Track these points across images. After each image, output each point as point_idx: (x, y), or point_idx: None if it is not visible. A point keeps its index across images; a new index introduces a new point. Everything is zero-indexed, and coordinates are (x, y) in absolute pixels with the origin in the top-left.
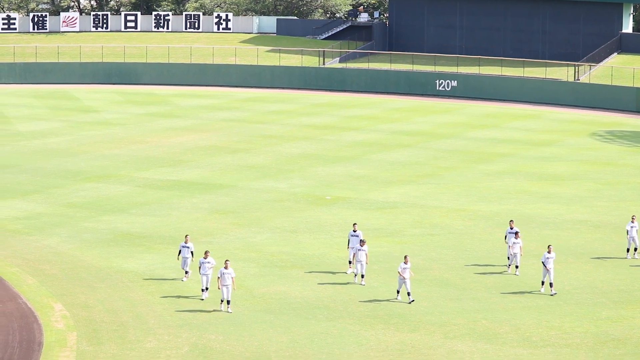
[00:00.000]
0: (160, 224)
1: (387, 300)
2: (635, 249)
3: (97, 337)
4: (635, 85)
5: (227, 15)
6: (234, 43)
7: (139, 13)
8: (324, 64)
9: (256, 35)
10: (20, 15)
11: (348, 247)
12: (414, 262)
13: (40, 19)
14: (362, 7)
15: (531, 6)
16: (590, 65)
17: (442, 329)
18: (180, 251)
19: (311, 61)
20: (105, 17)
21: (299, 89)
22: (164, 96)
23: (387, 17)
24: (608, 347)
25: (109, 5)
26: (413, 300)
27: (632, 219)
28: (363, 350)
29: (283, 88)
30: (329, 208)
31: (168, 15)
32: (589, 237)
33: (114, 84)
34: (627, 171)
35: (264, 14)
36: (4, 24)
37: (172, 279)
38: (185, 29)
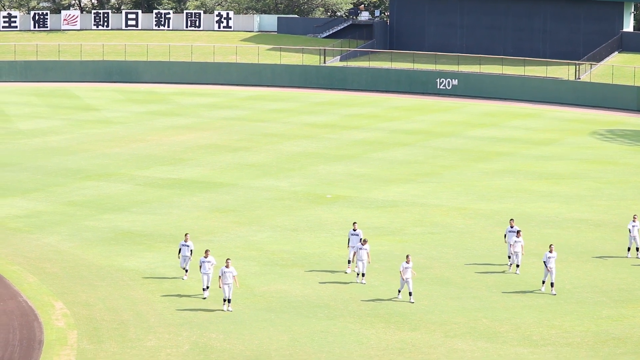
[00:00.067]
0: (160, 223)
1: (389, 299)
2: (637, 249)
3: (97, 336)
4: (635, 84)
5: (228, 14)
6: (234, 41)
7: (139, 11)
8: (324, 62)
9: (257, 33)
10: (21, 14)
11: (348, 246)
12: (415, 261)
13: (41, 17)
14: (363, 5)
15: (532, 5)
16: (591, 64)
17: (443, 328)
18: (180, 250)
19: (312, 60)
20: (106, 15)
21: (299, 87)
22: (165, 94)
23: (388, 15)
24: (608, 346)
25: (110, 4)
26: (413, 302)
27: (634, 218)
28: (363, 349)
29: (284, 86)
30: (330, 207)
31: (169, 13)
32: (589, 236)
33: (114, 82)
34: (627, 170)
35: (264, 12)
36: (4, 22)
37: (173, 278)
38: (186, 27)
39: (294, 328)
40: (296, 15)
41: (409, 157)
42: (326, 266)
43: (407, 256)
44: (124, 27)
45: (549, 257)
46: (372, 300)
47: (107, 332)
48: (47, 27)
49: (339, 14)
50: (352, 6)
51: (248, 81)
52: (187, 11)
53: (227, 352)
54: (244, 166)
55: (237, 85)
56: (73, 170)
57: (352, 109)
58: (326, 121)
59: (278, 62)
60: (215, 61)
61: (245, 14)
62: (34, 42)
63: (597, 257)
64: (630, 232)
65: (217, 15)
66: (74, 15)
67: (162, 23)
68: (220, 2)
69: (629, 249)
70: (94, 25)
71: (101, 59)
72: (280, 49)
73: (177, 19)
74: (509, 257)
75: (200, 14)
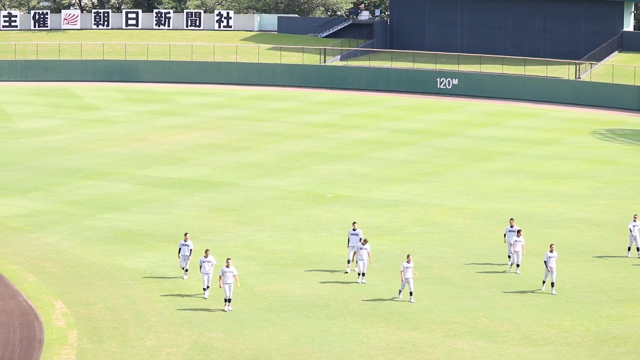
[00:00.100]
0: (161, 222)
1: (390, 299)
2: (638, 249)
3: (97, 335)
4: (636, 84)
5: (228, 13)
6: (235, 41)
7: (140, 11)
8: (325, 61)
9: (257, 33)
10: (22, 13)
11: (348, 246)
12: (415, 261)
13: (42, 16)
14: (363, 5)
15: (532, 4)
16: (591, 63)
17: (443, 327)
18: (180, 249)
19: (312, 59)
20: (106, 14)
21: (300, 86)
22: (165, 94)
23: (388, 15)
24: (609, 345)
25: (110, 3)
26: (413, 302)
27: (635, 217)
28: (364, 348)
29: (284, 86)
30: (330, 206)
31: (169, 12)
32: (589, 236)
33: (115, 81)
34: (628, 169)
35: (265, 11)
36: (5, 21)
37: (173, 277)
38: (187, 26)
39: (294, 327)
40: (296, 15)
41: (410, 157)
42: (326, 266)
43: (408, 256)
44: (124, 27)
45: (550, 257)
46: (373, 299)
47: (107, 331)
48: (47, 26)
49: (339, 13)
50: (352, 6)
51: (248, 80)
52: (188, 11)
53: (227, 352)
54: (244, 166)
55: (238, 84)
56: (73, 169)
57: (352, 109)
58: (326, 121)
59: (278, 62)
60: (216, 60)
61: (246, 13)
62: (34, 41)
63: (597, 257)
64: (631, 231)
65: (217, 15)
66: (74, 15)
67: (163, 22)
68: (220, 1)
69: (629, 249)
70: (94, 24)
71: (101, 58)
72: (281, 49)
73: (177, 19)
74: (509, 257)
75: (200, 13)
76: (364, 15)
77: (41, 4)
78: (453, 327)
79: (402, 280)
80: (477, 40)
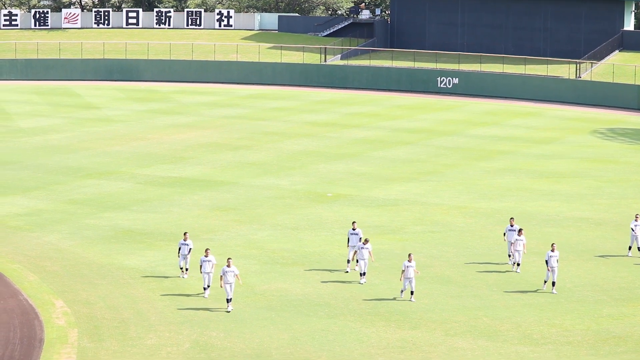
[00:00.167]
0: (161, 221)
1: (391, 299)
2: (639, 248)
3: (98, 334)
4: (636, 83)
5: (228, 12)
6: (235, 40)
7: (140, 10)
8: (325, 61)
9: (258, 32)
10: (22, 12)
11: (348, 246)
12: (415, 260)
13: (42, 15)
14: (363, 4)
15: (533, 3)
16: (591, 62)
17: (443, 326)
18: (180, 248)
19: (312, 58)
20: (106, 13)
21: (300, 86)
22: (166, 93)
23: (388, 14)
24: (609, 344)
25: (111, 2)
26: (414, 302)
27: (636, 217)
28: (364, 347)
29: (284, 85)
30: (330, 205)
31: (169, 11)
32: (590, 235)
33: (115, 80)
34: (628, 169)
35: (265, 10)
36: (5, 20)
37: (173, 276)
38: (187, 25)
39: (294, 326)
40: (297, 14)
41: (410, 156)
42: (327, 265)
43: (409, 255)
44: (124, 26)
45: (551, 256)
46: (373, 298)
47: (108, 330)
48: (47, 25)
49: (339, 12)
50: (352, 5)
51: (249, 79)
52: (188, 9)
53: (227, 351)
54: (244, 165)
55: (238, 83)
56: (74, 168)
57: (352, 108)
58: (327, 120)
59: (279, 61)
60: (216, 59)
61: (246, 12)
62: (35, 40)
63: (597, 256)
64: (633, 230)
65: (217, 14)
66: (74, 14)
67: (163, 21)
68: (221, 0)
69: (629, 248)
70: (95, 23)
71: (102, 57)
72: (281, 48)
73: (177, 18)
74: (510, 256)
75: (201, 12)
76: (365, 14)
77: (42, 2)
78: (453, 326)
79: (402, 279)
80: (478, 40)
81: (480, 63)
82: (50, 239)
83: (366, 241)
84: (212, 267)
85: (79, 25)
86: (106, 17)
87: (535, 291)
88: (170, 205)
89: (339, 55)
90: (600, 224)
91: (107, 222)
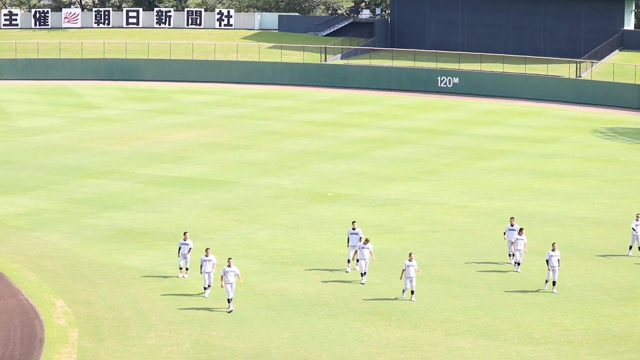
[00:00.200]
0: (161, 221)
1: (391, 298)
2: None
3: (98, 334)
4: (637, 82)
5: (228, 12)
6: (235, 39)
7: (140, 9)
8: (325, 60)
9: (258, 31)
10: (22, 11)
11: (348, 245)
12: (416, 259)
13: (42, 14)
14: (363, 3)
15: (533, 3)
16: (592, 62)
17: (444, 326)
18: (180, 248)
19: (313, 58)
20: (107, 13)
21: (300, 85)
22: (166, 92)
23: (388, 13)
24: (609, 344)
25: (111, 2)
26: (414, 301)
27: (637, 217)
28: (364, 346)
29: (285, 84)
30: (331, 205)
31: (170, 11)
32: (590, 234)
33: (115, 80)
34: (628, 168)
35: (265, 10)
36: (5, 19)
37: (174, 276)
38: (187, 25)
39: (294, 326)
40: (297, 13)
41: (410, 155)
42: (327, 264)
43: (410, 254)
44: (124, 25)
45: (552, 256)
46: (373, 298)
47: (108, 330)
48: (48, 24)
49: (339, 12)
50: (353, 4)
51: (249, 79)
52: (188, 9)
53: (228, 350)
54: (244, 164)
55: (238, 83)
56: (74, 168)
57: (353, 107)
58: (327, 119)
59: (279, 60)
60: (216, 59)
61: (246, 11)
62: (35, 40)
63: (598, 255)
64: (634, 230)
65: (218, 13)
66: (74, 13)
67: (163, 21)
68: (221, 0)
69: (630, 247)
70: (95, 23)
71: (102, 56)
72: (281, 47)
73: (178, 17)
74: (510, 256)
75: (201, 12)
76: (365, 14)
77: (42, 2)
78: (454, 326)
79: (402, 278)
80: (478, 39)
81: (481, 62)
82: (51, 238)
83: (367, 241)
84: (212, 267)
85: (79, 25)
86: (106, 17)
87: (536, 291)
88: (170, 205)
89: (339, 55)
90: (601, 223)
91: (108, 222)
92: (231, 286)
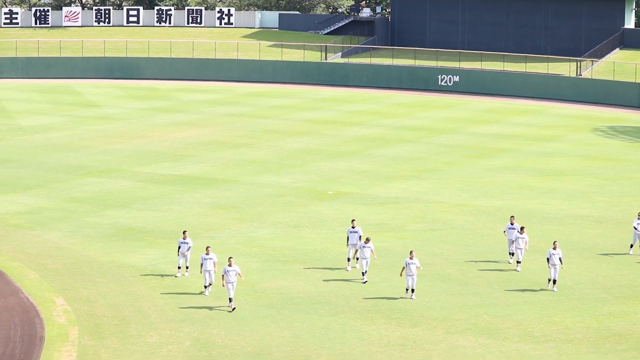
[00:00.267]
0: (162, 219)
1: (392, 296)
2: None
3: (98, 332)
4: (637, 81)
5: (229, 10)
6: (236, 38)
7: (141, 8)
8: (326, 58)
9: (258, 30)
10: (23, 10)
11: (347, 244)
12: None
13: (43, 13)
14: (364, 2)
15: (533, 1)
16: (592, 60)
17: (444, 324)
18: (179, 247)
19: (313, 56)
20: (107, 11)
21: (301, 83)
22: (166, 91)
23: (389, 12)
24: (610, 342)
25: (111, 0)
26: (414, 299)
27: (639, 215)
28: (365, 345)
29: (285, 83)
30: (331, 203)
31: (170, 10)
32: (590, 233)
33: (116, 78)
34: (628, 166)
35: (266, 8)
36: (6, 18)
37: (174, 274)
38: (188, 23)
39: (295, 324)
40: (297, 12)
41: (411, 154)
42: (327, 263)
43: (411, 252)
44: (125, 24)
45: (553, 254)
46: (374, 296)
47: (108, 328)
48: (48, 23)
49: (340, 10)
50: (353, 3)
51: (249, 77)
52: (189, 7)
53: (228, 348)
54: (245, 162)
55: (239, 81)
56: (74, 166)
57: (353, 106)
58: (327, 117)
59: (279, 59)
60: (217, 57)
61: (247, 10)
62: (36, 38)
63: (598, 254)
64: (635, 229)
65: (218, 12)
66: (75, 12)
67: (164, 19)
68: None
69: (631, 246)
70: (96, 21)
71: (102, 55)
72: (282, 46)
73: (178, 16)
74: (510, 254)
75: (201, 10)
76: (365, 12)
77: (42, 1)
78: (454, 324)
79: (402, 275)
80: (478, 38)
81: (481, 61)
82: (51, 237)
83: (367, 240)
84: (213, 265)
85: (79, 24)
86: (107, 15)
87: (539, 290)
88: (171, 203)
89: (340, 53)
90: (601, 221)
91: (108, 220)
92: (232, 285)
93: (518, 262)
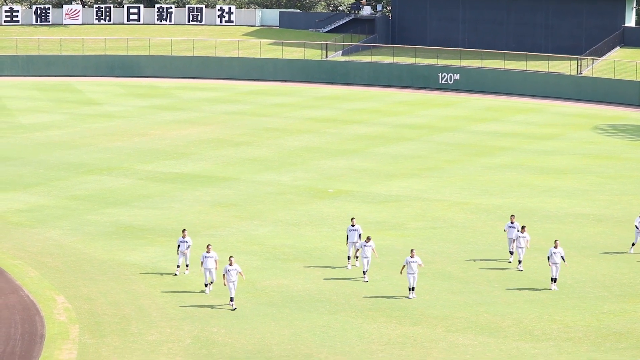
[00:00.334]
0: (162, 217)
1: (392, 294)
2: None
3: (99, 330)
4: (637, 79)
5: (230, 8)
6: (236, 36)
7: (141, 5)
8: (326, 57)
9: (259, 28)
10: (23, 8)
11: (347, 242)
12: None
13: (43, 11)
14: (364, 0)
15: (534, 0)
16: (592, 59)
17: (444, 322)
18: (178, 246)
19: (314, 54)
20: (108, 9)
21: (301, 82)
22: (167, 89)
23: (389, 10)
24: (610, 340)
25: None
26: (414, 298)
27: None
28: (365, 343)
29: (286, 81)
30: (332, 201)
31: (171, 7)
32: (591, 231)
33: (116, 76)
34: (629, 165)
35: (266, 6)
36: (7, 16)
37: (174, 273)
38: (188, 21)
39: (295, 322)
40: (298, 10)
41: (411, 152)
42: (328, 261)
43: (412, 250)
44: (125, 22)
45: (554, 253)
46: (374, 295)
47: (109, 326)
48: (49, 21)
49: (340, 8)
50: (354, 1)
51: (250, 76)
52: (189, 5)
53: (228, 347)
54: (245, 161)
55: (239, 79)
56: (75, 164)
57: (354, 104)
58: (328, 116)
59: (280, 57)
60: (217, 55)
61: (247, 8)
62: (36, 36)
63: (598, 252)
64: (637, 228)
65: (219, 10)
66: (75, 10)
67: (164, 17)
68: None
69: (633, 244)
70: (96, 19)
71: (103, 53)
72: (282, 44)
73: (179, 14)
74: (510, 253)
75: (202, 8)
76: (366, 11)
77: None
78: (454, 322)
79: (402, 272)
80: (479, 36)
81: (482, 59)
82: (52, 235)
83: (368, 239)
84: (214, 263)
85: (80, 21)
86: (107, 13)
87: (542, 289)
88: (171, 201)
89: (340, 52)
90: (602, 220)
91: (109, 218)
92: (233, 284)
93: (519, 261)
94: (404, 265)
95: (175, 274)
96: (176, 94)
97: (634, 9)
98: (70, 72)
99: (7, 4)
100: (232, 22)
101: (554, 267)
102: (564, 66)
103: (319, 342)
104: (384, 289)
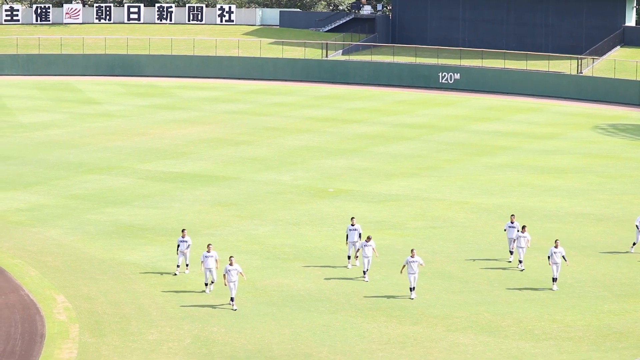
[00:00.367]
0: (162, 216)
1: (392, 294)
2: None
3: (99, 329)
4: (637, 79)
5: (230, 7)
6: (237, 35)
7: (142, 5)
8: (326, 56)
9: (259, 27)
10: (24, 7)
11: (347, 242)
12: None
13: (44, 10)
14: None
15: None
16: (593, 58)
17: (444, 322)
18: (178, 246)
19: (314, 53)
20: (108, 8)
21: (301, 81)
22: (167, 88)
23: (390, 9)
24: (610, 340)
25: None
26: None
27: None
28: (365, 342)
29: (286, 80)
30: (332, 200)
31: (171, 7)
32: (591, 230)
33: (116, 75)
34: (629, 164)
35: (267, 6)
36: (7, 15)
37: (174, 272)
38: (188, 21)
39: (295, 322)
40: (298, 9)
41: (411, 151)
42: (328, 260)
43: (412, 250)
44: (126, 21)
45: (554, 252)
46: (374, 294)
47: (109, 325)
48: (49, 20)
49: (341, 7)
50: (354, 0)
51: (250, 75)
52: (190, 5)
53: (228, 346)
54: (246, 160)
55: (239, 78)
56: (75, 163)
57: (354, 103)
58: (328, 115)
59: (280, 56)
60: (218, 55)
61: (248, 7)
62: (36, 35)
63: (599, 252)
64: (638, 227)
65: (219, 9)
66: (76, 9)
67: (164, 16)
68: None
69: (633, 244)
70: (96, 18)
71: (103, 52)
72: (283, 43)
73: (179, 13)
74: (510, 253)
75: (202, 7)
76: (366, 10)
77: None
78: (455, 322)
79: (402, 272)
80: (479, 35)
81: (482, 59)
82: (52, 234)
83: (369, 238)
84: (214, 263)
85: (80, 21)
86: (108, 13)
87: (542, 289)
88: (171, 201)
89: (341, 51)
90: (602, 219)
91: (109, 218)
92: (234, 284)
93: (520, 260)
94: (404, 265)
95: (175, 274)
96: (176, 93)
97: (634, 9)
98: (70, 72)
99: (7, 3)
100: (233, 21)
101: (554, 267)
102: (564, 66)
103: (319, 342)
104: (384, 288)
